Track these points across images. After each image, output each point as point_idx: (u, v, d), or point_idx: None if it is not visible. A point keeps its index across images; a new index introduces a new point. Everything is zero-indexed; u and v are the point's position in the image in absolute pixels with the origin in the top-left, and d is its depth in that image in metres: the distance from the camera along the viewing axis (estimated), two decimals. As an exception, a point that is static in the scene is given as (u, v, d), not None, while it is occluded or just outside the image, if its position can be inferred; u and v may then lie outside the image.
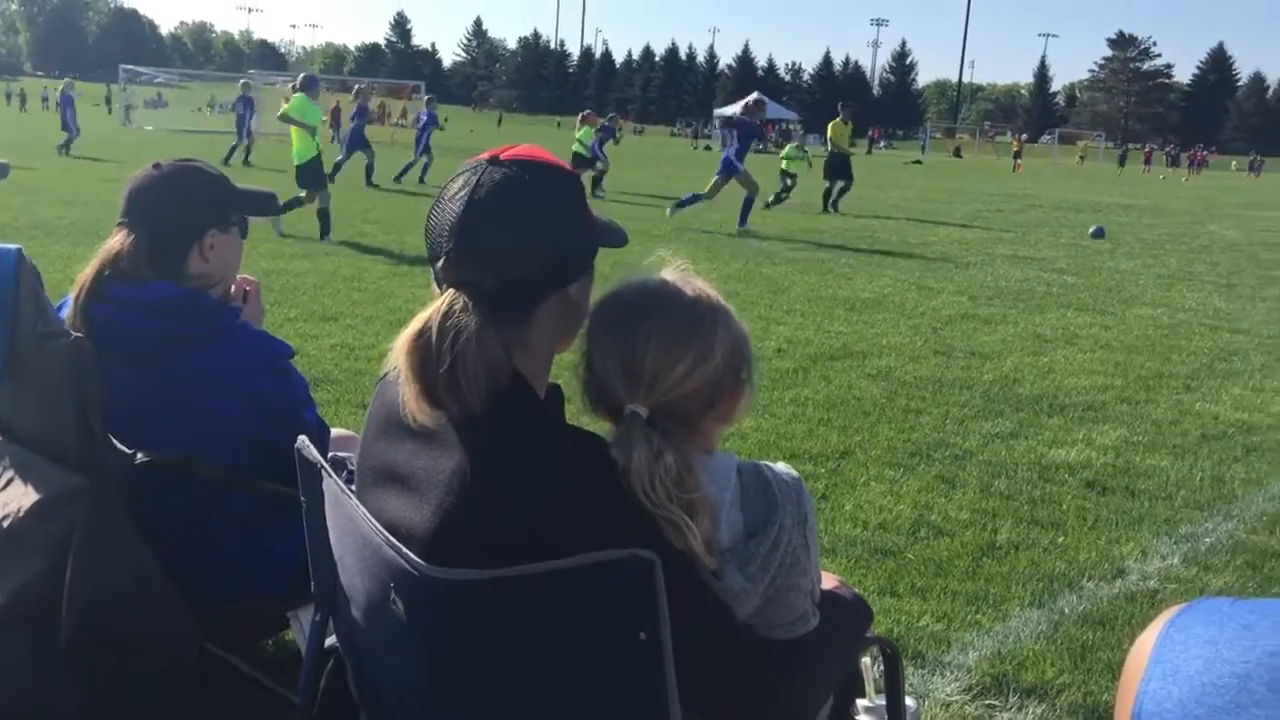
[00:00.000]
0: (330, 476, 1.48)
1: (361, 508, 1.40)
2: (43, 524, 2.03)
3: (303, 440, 1.56)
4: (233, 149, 24.56)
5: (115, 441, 2.11)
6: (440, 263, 1.41)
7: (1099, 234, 17.42)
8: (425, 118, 23.32)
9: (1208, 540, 4.34)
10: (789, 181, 20.18)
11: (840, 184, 19.69)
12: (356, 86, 22.82)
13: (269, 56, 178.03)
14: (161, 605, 2.06)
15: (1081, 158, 69.46)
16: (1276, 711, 0.83)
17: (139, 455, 2.10)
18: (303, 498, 1.59)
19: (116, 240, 2.33)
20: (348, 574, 1.50)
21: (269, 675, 2.56)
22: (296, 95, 13.17)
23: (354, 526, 1.43)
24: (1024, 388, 6.71)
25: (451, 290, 1.38)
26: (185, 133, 32.44)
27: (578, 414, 1.51)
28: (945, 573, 3.87)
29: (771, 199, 19.12)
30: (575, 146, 20.05)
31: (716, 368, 1.44)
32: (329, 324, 7.56)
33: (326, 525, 1.56)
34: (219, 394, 2.29)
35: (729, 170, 15.73)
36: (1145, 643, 0.96)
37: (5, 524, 2.05)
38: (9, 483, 2.13)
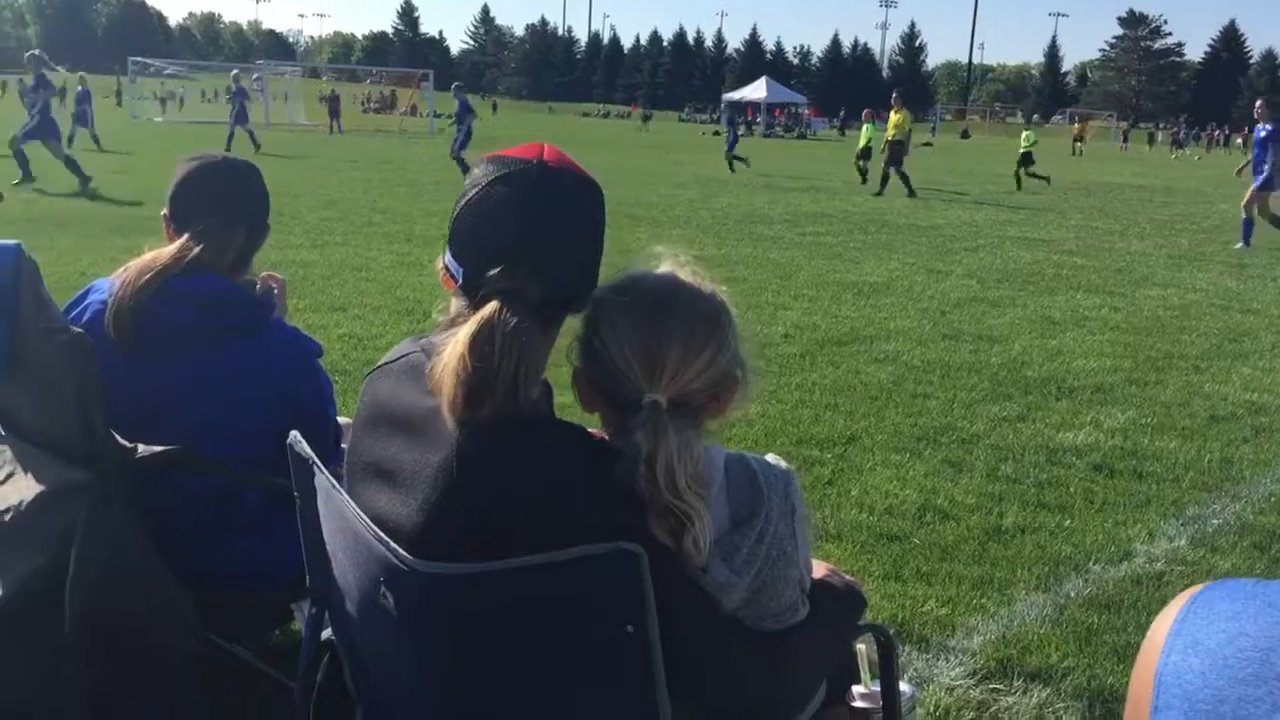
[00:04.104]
0: (321, 472, 1.49)
1: (351, 503, 1.41)
2: (45, 518, 2.04)
3: (295, 436, 1.57)
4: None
5: (116, 435, 2.12)
6: (496, 271, 1.38)
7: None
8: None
9: (1215, 522, 4.33)
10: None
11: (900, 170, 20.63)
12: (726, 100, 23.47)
13: (277, 46, 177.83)
14: (164, 598, 2.07)
15: (1081, 137, 69.21)
16: None
17: (139, 449, 2.11)
18: (296, 493, 1.59)
19: (201, 238, 2.31)
20: (340, 568, 1.50)
21: (275, 665, 2.58)
22: None
23: (345, 522, 1.43)
24: (1032, 370, 6.70)
25: (498, 297, 1.37)
26: (195, 124, 32.53)
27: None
28: (951, 557, 3.86)
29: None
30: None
31: (727, 362, 1.45)
32: (337, 314, 7.58)
33: (319, 520, 1.56)
34: (252, 387, 2.29)
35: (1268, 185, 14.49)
36: (1167, 616, 0.96)
37: (7, 518, 2.06)
38: (10, 476, 2.14)
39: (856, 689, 1.79)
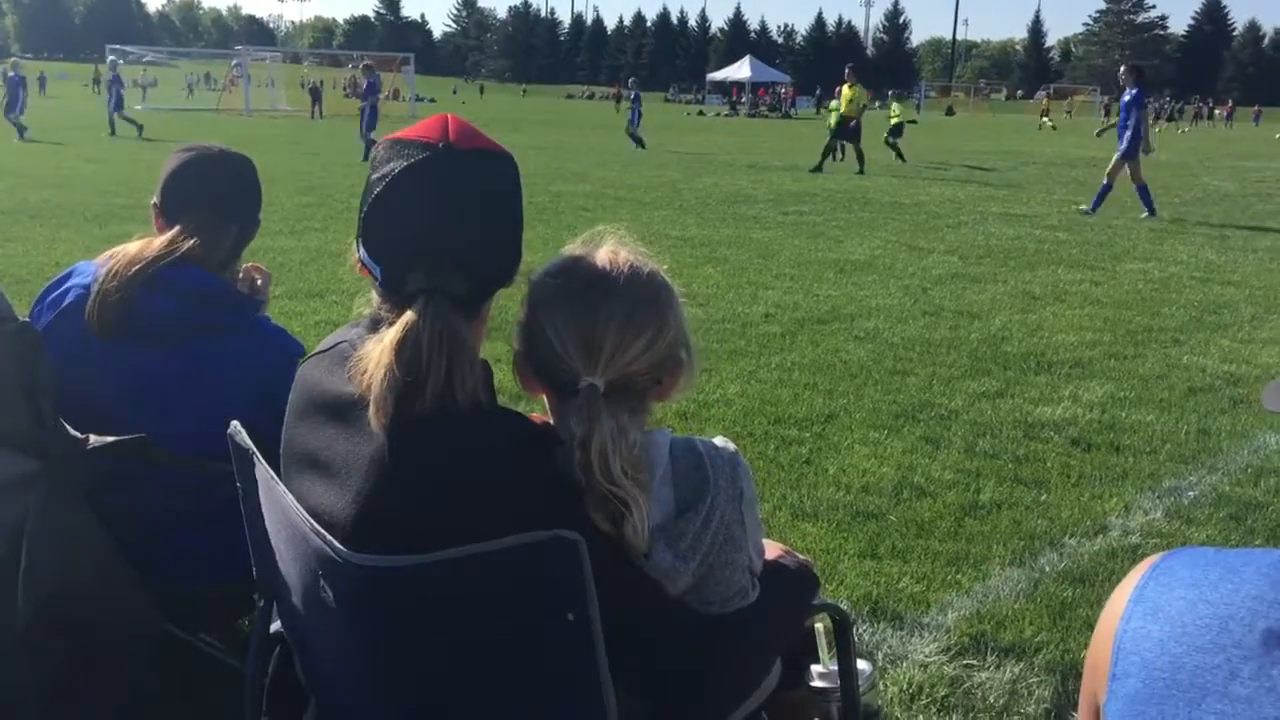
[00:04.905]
0: (260, 464, 1.46)
1: (288, 494, 1.38)
2: (-4, 512, 2.01)
3: (235, 426, 1.54)
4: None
5: (66, 426, 2.09)
6: (418, 271, 1.33)
7: None
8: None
9: (1191, 494, 4.33)
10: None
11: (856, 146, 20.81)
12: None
13: (257, 32, 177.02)
14: (120, 589, 2.05)
15: (1068, 112, 69.22)
16: (1254, 654, 0.81)
17: (91, 439, 2.08)
18: (239, 484, 1.57)
19: (193, 232, 2.26)
20: (283, 561, 1.48)
21: (240, 656, 2.55)
22: None
23: (284, 514, 1.41)
24: (1012, 346, 6.69)
25: (421, 297, 1.32)
26: (174, 111, 32.38)
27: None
28: (927, 534, 3.86)
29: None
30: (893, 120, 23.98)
31: (669, 344, 1.42)
32: (314, 301, 7.53)
33: (262, 511, 1.54)
34: (232, 384, 2.26)
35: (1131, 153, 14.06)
36: (1129, 583, 0.94)
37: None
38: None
39: (815, 668, 1.78)
